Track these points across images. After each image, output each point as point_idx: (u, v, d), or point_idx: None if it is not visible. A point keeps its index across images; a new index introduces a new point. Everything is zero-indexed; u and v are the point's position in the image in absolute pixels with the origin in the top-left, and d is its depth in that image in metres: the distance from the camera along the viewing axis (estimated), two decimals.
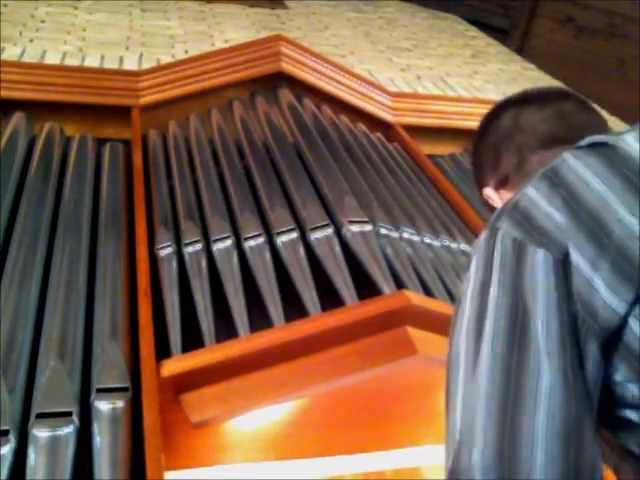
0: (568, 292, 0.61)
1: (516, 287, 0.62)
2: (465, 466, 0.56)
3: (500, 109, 1.00)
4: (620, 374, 0.61)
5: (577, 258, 0.61)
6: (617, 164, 0.65)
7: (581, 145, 0.70)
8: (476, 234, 1.86)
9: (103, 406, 1.19)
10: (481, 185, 1.01)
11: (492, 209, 0.99)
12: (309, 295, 1.53)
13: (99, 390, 1.22)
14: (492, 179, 0.98)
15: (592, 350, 0.60)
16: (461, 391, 0.61)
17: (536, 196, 0.66)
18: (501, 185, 0.96)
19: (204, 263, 1.59)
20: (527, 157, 0.92)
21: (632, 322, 0.59)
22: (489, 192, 0.98)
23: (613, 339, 0.60)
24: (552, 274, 0.61)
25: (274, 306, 1.50)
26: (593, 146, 0.68)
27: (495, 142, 0.97)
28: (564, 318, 0.60)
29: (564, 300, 0.60)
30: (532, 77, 3.69)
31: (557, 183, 0.66)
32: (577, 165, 0.67)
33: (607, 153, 0.67)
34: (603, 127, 0.94)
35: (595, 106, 1.01)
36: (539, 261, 0.62)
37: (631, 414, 0.62)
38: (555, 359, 0.57)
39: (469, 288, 0.66)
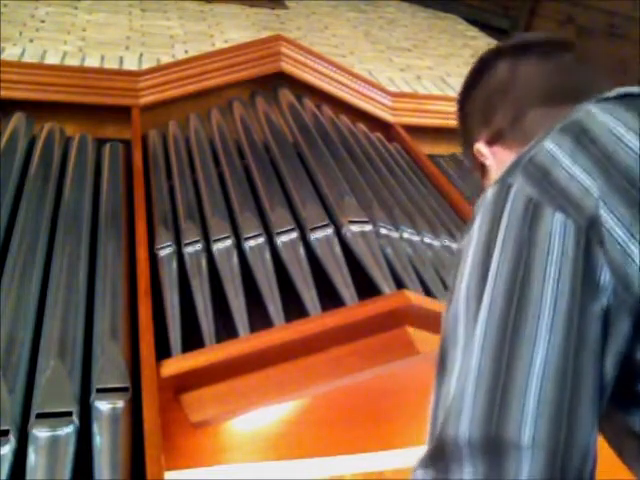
0: (594, 263, 0.53)
1: (524, 252, 0.55)
2: (452, 435, 0.53)
3: (494, 57, 0.88)
4: None
5: (611, 223, 0.53)
6: None
7: (607, 97, 0.61)
8: None
9: (103, 406, 1.19)
10: (470, 140, 0.89)
11: (481, 168, 0.88)
12: (309, 295, 1.53)
13: (99, 390, 1.22)
14: (483, 133, 0.86)
15: (622, 329, 0.53)
16: (460, 356, 0.57)
17: (557, 152, 0.58)
18: (494, 141, 0.85)
19: (204, 263, 1.59)
20: (525, 112, 0.80)
21: None
22: (481, 147, 0.86)
23: None
24: (571, 241, 0.54)
25: (274, 306, 1.50)
26: (623, 97, 0.60)
27: (488, 94, 0.86)
28: (581, 294, 0.53)
29: (585, 273, 0.53)
30: None
31: (583, 138, 0.57)
32: (606, 118, 0.58)
33: None
34: (608, 86, 0.78)
35: None
36: (556, 226, 0.54)
37: None
38: (558, 333, 0.52)
39: (470, 249, 0.59)
